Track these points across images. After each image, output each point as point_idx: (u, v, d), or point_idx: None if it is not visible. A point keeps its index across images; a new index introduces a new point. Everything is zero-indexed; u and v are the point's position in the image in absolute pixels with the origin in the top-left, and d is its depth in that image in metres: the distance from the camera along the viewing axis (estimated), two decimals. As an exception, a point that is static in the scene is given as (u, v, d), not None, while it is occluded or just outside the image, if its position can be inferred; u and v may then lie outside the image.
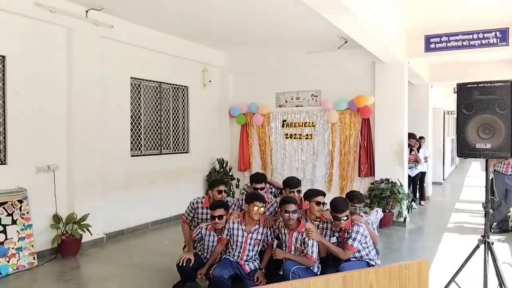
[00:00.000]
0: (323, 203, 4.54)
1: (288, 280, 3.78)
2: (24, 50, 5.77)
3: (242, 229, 4.41)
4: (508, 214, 7.08)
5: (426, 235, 7.61)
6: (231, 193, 9.13)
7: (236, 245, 4.42)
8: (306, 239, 4.10)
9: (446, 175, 16.14)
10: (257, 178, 5.37)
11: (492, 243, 3.77)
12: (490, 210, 4.04)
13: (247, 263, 4.42)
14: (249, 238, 4.39)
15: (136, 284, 4.95)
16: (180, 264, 4.51)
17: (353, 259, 4.23)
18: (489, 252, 3.76)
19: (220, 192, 4.94)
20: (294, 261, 4.11)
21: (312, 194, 4.58)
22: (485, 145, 3.68)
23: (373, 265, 4.25)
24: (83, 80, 6.42)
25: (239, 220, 4.45)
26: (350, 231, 4.20)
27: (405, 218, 7.99)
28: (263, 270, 4.39)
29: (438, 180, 13.84)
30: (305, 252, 4.11)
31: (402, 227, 7.90)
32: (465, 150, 3.78)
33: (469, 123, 3.73)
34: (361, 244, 4.20)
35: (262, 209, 4.36)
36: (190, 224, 5.04)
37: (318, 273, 4.25)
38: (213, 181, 5.18)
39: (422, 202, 10.40)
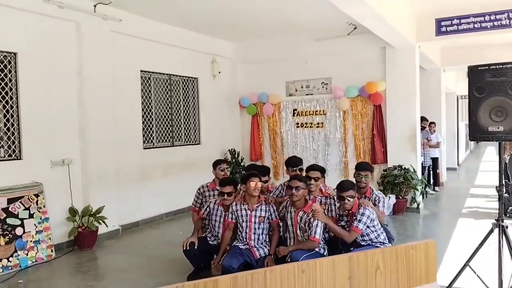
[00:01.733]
0: (316, 178, 4.56)
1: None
2: (35, 47, 5.83)
3: (245, 208, 4.45)
4: (524, 198, 6.98)
5: (440, 221, 7.56)
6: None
7: (242, 226, 4.46)
8: (312, 219, 4.09)
9: (461, 161, 15.97)
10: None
11: (507, 227, 3.74)
12: (505, 194, 4.00)
13: (257, 248, 4.44)
14: (253, 216, 4.42)
15: (153, 274, 5.03)
16: (184, 248, 4.62)
17: (363, 243, 4.22)
18: (503, 236, 3.73)
19: (222, 170, 5.16)
20: (299, 249, 4.10)
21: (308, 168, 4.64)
22: (498, 127, 3.62)
23: None
24: (94, 74, 6.48)
25: (240, 201, 4.51)
26: (356, 214, 4.19)
27: (418, 204, 7.95)
28: (272, 256, 4.41)
29: (452, 166, 13.69)
30: (308, 232, 4.10)
31: (416, 213, 7.86)
32: (477, 133, 3.73)
33: (481, 106, 3.67)
34: (368, 227, 4.17)
35: (259, 183, 4.43)
36: (200, 210, 5.09)
37: (325, 254, 4.23)
38: (215, 162, 5.37)
39: (436, 188, 10.32)
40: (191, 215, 5.20)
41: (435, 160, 10.43)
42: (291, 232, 4.33)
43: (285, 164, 5.25)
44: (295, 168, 4.99)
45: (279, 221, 4.60)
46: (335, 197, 4.47)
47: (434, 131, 10.42)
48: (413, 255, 1.51)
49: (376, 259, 1.48)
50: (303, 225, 4.19)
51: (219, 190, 4.70)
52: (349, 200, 4.16)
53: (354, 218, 4.18)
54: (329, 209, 4.58)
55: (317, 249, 4.14)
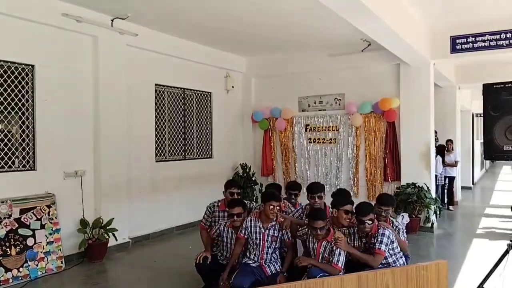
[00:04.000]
0: (352, 212, 4.33)
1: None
2: (52, 59, 5.94)
3: (259, 226, 4.40)
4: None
5: (454, 241, 7.41)
6: (254, 198, 9.13)
7: (255, 244, 4.40)
8: (334, 248, 4.01)
9: (476, 179, 15.70)
10: (294, 186, 5.36)
11: (522, 248, 3.64)
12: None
13: (268, 264, 4.38)
14: (266, 234, 4.37)
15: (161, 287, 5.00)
16: (198, 262, 4.58)
17: (380, 266, 4.11)
18: (519, 258, 3.64)
19: (232, 194, 4.99)
20: (319, 268, 4.02)
21: (340, 202, 4.40)
22: (513, 147, 3.57)
23: None
24: (109, 87, 6.57)
25: (255, 217, 4.46)
26: (376, 235, 4.07)
27: (432, 224, 7.81)
28: (284, 274, 4.34)
29: (467, 185, 13.46)
30: (331, 260, 4.01)
31: (429, 233, 7.72)
32: (492, 152, 3.68)
33: (496, 124, 3.63)
34: (388, 250, 4.06)
35: (278, 208, 4.37)
36: (209, 230, 5.04)
37: None
38: (227, 183, 5.23)
39: (450, 207, 10.15)
40: (200, 230, 5.14)
41: (451, 179, 10.28)
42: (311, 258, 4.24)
43: (306, 189, 5.13)
44: (314, 195, 4.83)
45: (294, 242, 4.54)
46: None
47: (452, 148, 10.30)
48: (424, 276, 1.47)
49: (386, 278, 1.44)
50: (326, 255, 4.09)
51: (228, 211, 4.64)
52: (369, 224, 4.07)
53: (376, 240, 4.06)
54: (353, 238, 4.38)
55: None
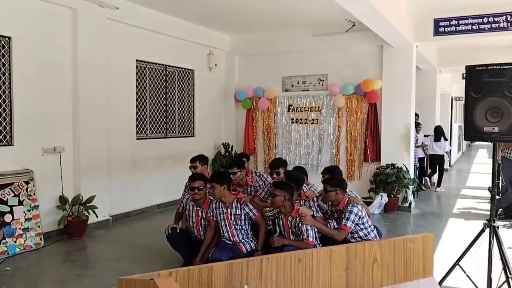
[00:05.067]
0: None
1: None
2: (30, 31, 5.75)
3: (221, 206, 4.50)
4: (515, 200, 7.03)
5: (431, 220, 7.59)
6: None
7: (222, 224, 4.51)
8: (300, 224, 4.07)
9: (453, 162, 16.03)
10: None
11: (498, 228, 3.75)
12: (497, 196, 3.99)
13: (243, 243, 4.46)
14: (228, 213, 4.45)
15: (141, 265, 5.00)
16: (167, 233, 4.70)
17: (352, 240, 4.19)
18: (494, 237, 3.74)
19: (190, 168, 5.37)
20: (293, 246, 4.06)
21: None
22: (493, 128, 3.62)
23: None
24: (89, 62, 6.40)
25: (217, 199, 4.53)
26: (344, 211, 4.17)
27: (410, 203, 7.97)
28: (260, 251, 4.39)
29: (444, 167, 13.70)
30: (301, 236, 4.08)
31: (407, 212, 7.89)
32: (472, 133, 3.73)
33: (477, 106, 3.67)
34: (357, 225, 4.15)
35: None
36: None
37: None
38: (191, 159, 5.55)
39: (437, 189, 10.36)
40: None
41: (441, 157, 10.43)
42: (285, 237, 4.31)
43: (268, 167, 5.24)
44: (272, 172, 4.95)
45: (263, 217, 4.60)
46: (316, 196, 4.46)
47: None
48: (411, 248, 1.50)
49: (374, 250, 1.46)
50: (294, 229, 4.17)
51: (189, 185, 4.72)
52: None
53: (343, 216, 4.17)
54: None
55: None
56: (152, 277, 1.22)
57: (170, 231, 4.72)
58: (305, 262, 1.37)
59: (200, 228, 4.79)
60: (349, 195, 4.48)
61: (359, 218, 4.16)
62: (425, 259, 1.54)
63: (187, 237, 4.80)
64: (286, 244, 4.13)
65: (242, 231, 4.48)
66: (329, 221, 4.42)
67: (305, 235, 4.03)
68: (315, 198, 4.55)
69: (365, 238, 4.21)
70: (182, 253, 4.78)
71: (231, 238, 4.46)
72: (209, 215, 4.62)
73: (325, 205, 4.65)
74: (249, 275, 1.36)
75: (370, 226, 4.30)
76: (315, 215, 4.38)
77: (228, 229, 4.46)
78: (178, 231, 4.75)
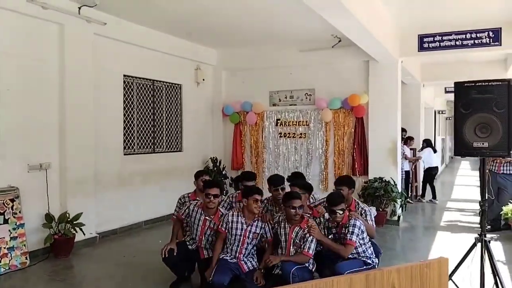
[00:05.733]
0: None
1: (289, 283, 3.77)
2: (16, 47, 5.68)
3: (242, 222, 4.35)
4: (501, 213, 7.14)
5: (419, 234, 7.65)
6: (224, 192, 9.09)
7: (234, 239, 4.36)
8: (307, 235, 4.08)
9: (437, 175, 16.22)
10: (249, 176, 5.35)
11: (489, 242, 3.79)
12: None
13: (245, 261, 4.38)
14: (248, 231, 4.35)
15: (131, 284, 4.91)
16: (163, 256, 4.52)
17: (350, 256, 4.20)
18: (485, 251, 3.78)
19: (204, 181, 4.93)
20: (291, 261, 4.06)
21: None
22: (482, 143, 3.70)
23: (370, 264, 4.22)
24: (76, 78, 6.34)
25: (238, 212, 4.43)
26: (347, 225, 4.15)
27: (399, 217, 8.03)
28: (261, 270, 4.33)
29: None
30: (302, 247, 4.07)
31: (395, 226, 7.93)
32: (462, 149, 3.80)
33: (466, 122, 3.75)
34: (358, 239, 4.15)
35: (261, 201, 4.41)
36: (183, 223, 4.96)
37: (313, 269, 4.23)
38: (197, 172, 5.30)
39: (435, 200, 10.59)
40: (172, 224, 5.06)
41: (434, 169, 10.75)
42: (284, 248, 4.27)
43: (267, 181, 5.14)
44: (277, 187, 4.83)
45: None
46: (324, 215, 4.45)
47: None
48: (427, 273, 1.50)
49: (392, 278, 1.46)
50: (297, 241, 4.15)
51: (205, 192, 4.53)
52: (340, 214, 4.15)
53: (347, 231, 4.15)
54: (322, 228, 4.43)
55: (306, 264, 4.12)
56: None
57: (167, 255, 4.53)
58: (325, 291, 1.37)
59: (203, 238, 4.61)
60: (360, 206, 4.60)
61: (361, 233, 4.16)
62: (441, 284, 1.55)
63: (184, 253, 4.61)
64: (284, 260, 4.09)
65: (250, 248, 4.42)
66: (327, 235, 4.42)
67: (307, 246, 4.04)
68: (325, 215, 4.48)
69: (362, 254, 4.21)
70: (178, 272, 4.66)
71: (237, 255, 4.36)
72: (220, 226, 4.44)
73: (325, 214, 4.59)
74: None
75: (368, 242, 4.29)
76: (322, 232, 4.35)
77: (240, 245, 4.35)
78: (175, 253, 4.54)
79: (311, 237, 4.07)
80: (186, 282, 4.60)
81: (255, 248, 4.51)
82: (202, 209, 4.61)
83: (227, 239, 4.45)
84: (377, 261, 4.40)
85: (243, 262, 4.36)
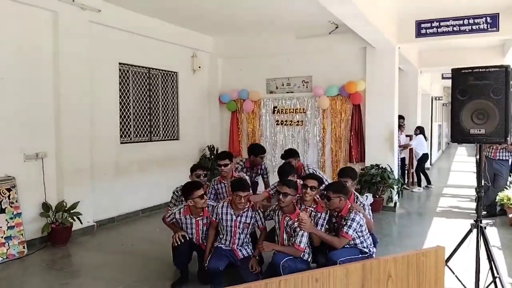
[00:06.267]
0: (313, 187, 4.36)
1: (280, 274, 3.78)
2: (9, 34, 5.61)
3: (231, 213, 4.37)
4: (496, 199, 7.17)
5: (415, 220, 7.69)
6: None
7: (226, 230, 4.38)
8: (298, 228, 4.04)
9: (434, 160, 16.31)
10: (219, 155, 5.41)
11: (485, 227, 3.81)
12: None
13: (240, 248, 4.40)
14: (238, 221, 4.37)
15: (129, 272, 4.92)
16: (178, 243, 4.37)
17: (346, 245, 4.20)
18: (481, 237, 3.80)
19: (198, 176, 5.10)
20: (282, 252, 4.06)
21: (306, 177, 4.53)
22: (479, 130, 3.69)
23: (366, 253, 4.23)
24: (70, 65, 6.28)
25: (228, 203, 4.42)
26: (346, 218, 4.16)
27: (395, 203, 8.07)
28: (257, 258, 4.36)
29: (425, 166, 13.92)
30: (293, 240, 4.06)
31: (392, 212, 7.98)
32: (459, 135, 3.79)
33: (463, 108, 3.73)
34: (356, 232, 4.15)
35: (245, 197, 4.31)
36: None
37: (309, 259, 4.21)
38: (192, 166, 5.37)
39: (430, 185, 10.71)
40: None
41: (425, 156, 10.71)
42: (278, 235, 4.30)
43: (248, 150, 6.17)
44: (259, 156, 5.61)
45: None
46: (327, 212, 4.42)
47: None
48: (424, 262, 1.50)
49: (388, 267, 1.46)
50: (288, 230, 4.15)
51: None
52: (332, 200, 4.16)
53: (344, 223, 4.14)
54: (317, 223, 4.36)
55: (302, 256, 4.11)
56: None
57: (182, 239, 4.39)
58: (322, 281, 1.36)
59: (200, 237, 4.58)
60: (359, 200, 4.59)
61: (359, 227, 4.15)
62: (437, 272, 1.55)
63: (189, 242, 4.53)
64: (277, 251, 4.11)
65: (243, 237, 4.43)
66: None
67: (298, 240, 4.01)
68: (328, 211, 4.44)
69: (359, 245, 4.22)
70: (182, 269, 4.57)
71: (231, 245, 4.39)
72: (211, 216, 4.47)
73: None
74: (268, 297, 1.34)
75: (367, 234, 4.28)
76: (321, 228, 4.32)
77: (232, 236, 4.37)
78: (188, 238, 4.47)
79: (301, 231, 4.01)
80: (187, 282, 4.56)
81: (249, 236, 4.52)
82: (190, 213, 4.52)
83: (219, 229, 4.48)
84: (374, 251, 4.42)
85: (238, 250, 4.39)
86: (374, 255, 4.34)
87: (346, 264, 1.46)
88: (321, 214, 4.36)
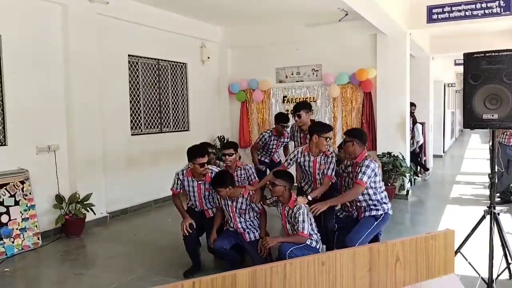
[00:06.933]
0: (330, 138, 4.52)
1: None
2: (20, 29, 5.65)
3: (227, 198, 4.46)
4: (510, 185, 7.08)
5: (428, 208, 7.64)
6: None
7: (227, 213, 4.53)
8: (297, 214, 4.00)
9: (446, 148, 16.14)
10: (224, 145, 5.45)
11: (498, 214, 3.77)
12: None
13: (248, 232, 4.46)
14: (234, 207, 4.44)
15: (141, 261, 4.98)
16: (186, 234, 4.44)
17: (360, 197, 4.12)
18: (495, 223, 3.76)
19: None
20: (288, 242, 4.03)
21: (322, 130, 4.46)
22: (492, 115, 3.63)
23: (380, 215, 4.14)
24: (80, 59, 6.31)
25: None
26: (361, 165, 4.08)
27: (407, 191, 8.01)
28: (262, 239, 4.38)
29: (438, 153, 13.81)
30: (296, 227, 4.02)
31: (404, 200, 7.92)
32: (471, 121, 3.73)
33: (475, 93, 3.66)
34: (370, 180, 4.03)
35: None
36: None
37: (319, 247, 4.14)
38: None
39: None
40: (172, 197, 4.91)
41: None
42: (281, 225, 4.31)
43: (275, 119, 6.46)
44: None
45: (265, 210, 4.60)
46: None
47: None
48: (433, 245, 1.48)
49: (396, 250, 1.44)
50: (290, 219, 4.14)
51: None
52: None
53: (359, 170, 4.07)
54: (329, 167, 4.46)
55: (308, 242, 4.05)
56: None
57: (190, 230, 4.47)
58: (328, 265, 1.35)
59: (203, 201, 4.74)
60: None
61: (374, 175, 4.07)
62: (446, 256, 1.53)
63: (195, 219, 4.59)
64: (281, 241, 4.08)
65: (247, 221, 4.47)
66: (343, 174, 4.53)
67: (300, 227, 3.97)
68: (333, 154, 4.54)
69: (373, 197, 4.14)
70: (194, 257, 4.62)
71: (234, 227, 4.47)
72: (215, 200, 4.62)
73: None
74: (273, 281, 1.33)
75: (381, 187, 4.19)
76: (330, 172, 4.44)
77: (232, 218, 4.47)
78: (195, 226, 4.53)
79: (302, 216, 3.97)
80: (199, 271, 4.58)
81: (254, 221, 4.52)
82: (192, 176, 4.65)
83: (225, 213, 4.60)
84: (390, 206, 4.29)
85: (245, 233, 4.45)
86: (390, 211, 4.26)
87: (353, 248, 1.45)
88: (330, 158, 4.49)
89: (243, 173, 5.01)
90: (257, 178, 5.03)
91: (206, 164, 4.54)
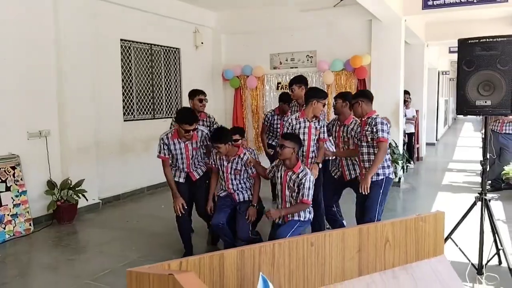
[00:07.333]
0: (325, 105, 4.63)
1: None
2: (10, 13, 5.53)
3: (223, 158, 4.46)
4: (502, 173, 7.13)
5: (420, 194, 7.68)
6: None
7: (221, 175, 4.55)
8: (303, 180, 3.94)
9: (439, 136, 16.21)
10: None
11: (489, 200, 3.78)
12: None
13: (238, 192, 4.50)
14: (229, 167, 4.45)
15: (134, 247, 4.97)
16: (179, 214, 4.46)
17: (371, 150, 4.17)
18: (485, 209, 3.78)
19: (201, 101, 5.30)
20: (291, 212, 4.03)
21: (320, 94, 4.55)
22: (485, 102, 3.62)
23: (383, 174, 4.20)
24: (72, 43, 6.22)
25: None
26: (371, 123, 4.12)
27: (399, 178, 8.04)
28: (255, 206, 4.43)
29: (431, 141, 13.86)
30: (301, 193, 3.96)
31: (396, 187, 7.94)
32: (464, 107, 3.72)
33: (469, 80, 3.65)
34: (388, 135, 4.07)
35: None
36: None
37: (311, 217, 4.14)
38: (193, 91, 5.43)
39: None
40: (162, 165, 4.77)
41: (410, 136, 10.40)
42: (279, 191, 4.19)
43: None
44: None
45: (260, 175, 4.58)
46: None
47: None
48: (422, 227, 1.48)
49: (386, 231, 1.44)
50: (291, 185, 4.03)
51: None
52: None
53: (375, 130, 4.08)
54: (324, 131, 4.65)
55: (302, 218, 4.04)
56: (171, 272, 1.16)
57: (183, 211, 4.46)
58: (317, 245, 1.35)
59: (191, 162, 4.62)
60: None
61: (387, 133, 4.08)
62: (436, 238, 1.53)
63: (185, 192, 4.61)
64: (284, 214, 4.05)
65: (239, 183, 4.50)
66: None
67: (306, 193, 3.93)
68: (324, 115, 4.72)
69: (373, 156, 4.19)
70: (186, 239, 4.65)
71: (226, 187, 4.52)
72: (210, 161, 4.61)
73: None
74: (261, 261, 1.33)
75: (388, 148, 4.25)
76: (323, 136, 4.64)
77: (226, 179, 4.49)
78: (186, 206, 4.51)
79: (308, 183, 3.94)
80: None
81: (245, 183, 4.54)
82: (178, 137, 4.54)
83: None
84: (391, 170, 4.35)
85: (235, 193, 4.49)
86: (392, 176, 4.34)
87: (343, 228, 1.44)
88: (322, 122, 4.64)
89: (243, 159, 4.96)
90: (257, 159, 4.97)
91: (191, 132, 4.42)
